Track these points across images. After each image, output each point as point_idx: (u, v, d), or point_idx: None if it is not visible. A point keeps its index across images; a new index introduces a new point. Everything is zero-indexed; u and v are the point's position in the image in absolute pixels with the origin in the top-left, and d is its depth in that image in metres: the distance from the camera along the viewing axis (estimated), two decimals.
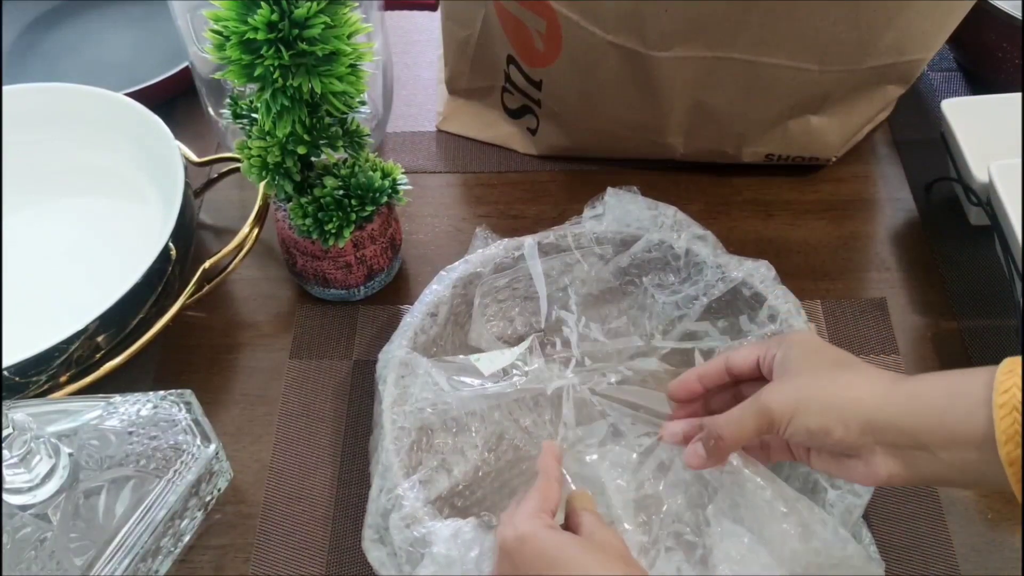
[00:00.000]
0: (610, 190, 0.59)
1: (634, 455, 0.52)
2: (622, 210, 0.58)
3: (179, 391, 0.52)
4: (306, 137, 0.53)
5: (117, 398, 0.51)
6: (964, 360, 0.59)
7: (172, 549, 0.51)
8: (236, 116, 0.57)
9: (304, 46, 0.48)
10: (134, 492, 0.48)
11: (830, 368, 0.43)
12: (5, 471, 0.46)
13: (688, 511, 0.49)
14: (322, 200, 0.56)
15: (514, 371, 0.54)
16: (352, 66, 0.51)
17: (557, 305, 0.59)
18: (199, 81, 0.67)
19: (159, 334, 0.57)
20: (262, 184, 0.60)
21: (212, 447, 0.51)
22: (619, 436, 0.53)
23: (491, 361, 0.54)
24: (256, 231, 0.62)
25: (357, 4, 0.51)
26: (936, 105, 0.71)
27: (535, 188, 0.71)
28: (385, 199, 0.57)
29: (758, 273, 0.55)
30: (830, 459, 0.42)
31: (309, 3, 0.48)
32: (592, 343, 0.57)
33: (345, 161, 0.58)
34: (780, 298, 0.54)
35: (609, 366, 0.56)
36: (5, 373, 0.51)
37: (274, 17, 0.48)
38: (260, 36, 0.48)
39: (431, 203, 0.70)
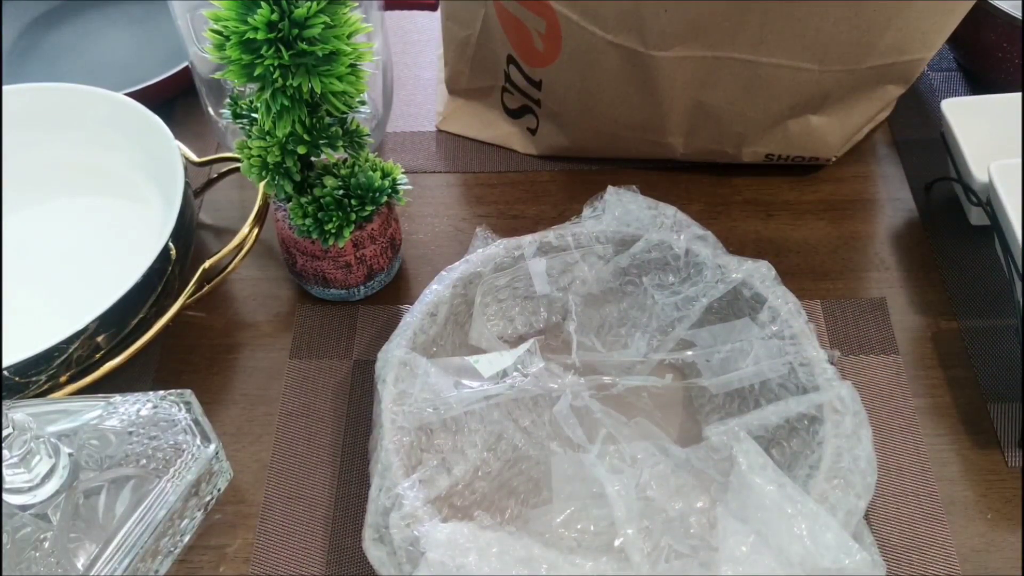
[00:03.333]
0: (610, 188, 0.59)
1: (632, 461, 0.52)
2: (622, 209, 0.58)
3: (179, 391, 0.52)
4: (306, 137, 0.53)
5: (117, 398, 0.51)
6: (964, 360, 0.59)
7: (172, 549, 0.51)
8: (236, 116, 0.57)
9: (304, 46, 0.48)
10: (134, 492, 0.48)
11: None
12: (5, 471, 0.46)
13: (692, 515, 0.49)
14: (322, 200, 0.56)
15: (514, 372, 0.54)
16: (352, 66, 0.51)
17: (557, 307, 0.59)
18: (199, 81, 0.67)
19: (159, 334, 0.57)
20: (262, 184, 0.60)
21: (212, 447, 0.51)
22: (617, 442, 0.53)
23: (490, 363, 0.54)
24: (256, 231, 0.62)
25: (357, 4, 0.51)
26: (936, 105, 0.71)
27: (535, 188, 0.71)
28: (385, 199, 0.57)
29: (758, 273, 0.55)
30: None
31: (309, 3, 0.48)
32: (590, 351, 0.57)
33: (345, 161, 0.58)
34: (780, 298, 0.54)
35: (608, 376, 0.56)
36: (5, 373, 0.51)
37: (274, 17, 0.48)
38: (260, 36, 0.48)
39: (431, 203, 0.70)
